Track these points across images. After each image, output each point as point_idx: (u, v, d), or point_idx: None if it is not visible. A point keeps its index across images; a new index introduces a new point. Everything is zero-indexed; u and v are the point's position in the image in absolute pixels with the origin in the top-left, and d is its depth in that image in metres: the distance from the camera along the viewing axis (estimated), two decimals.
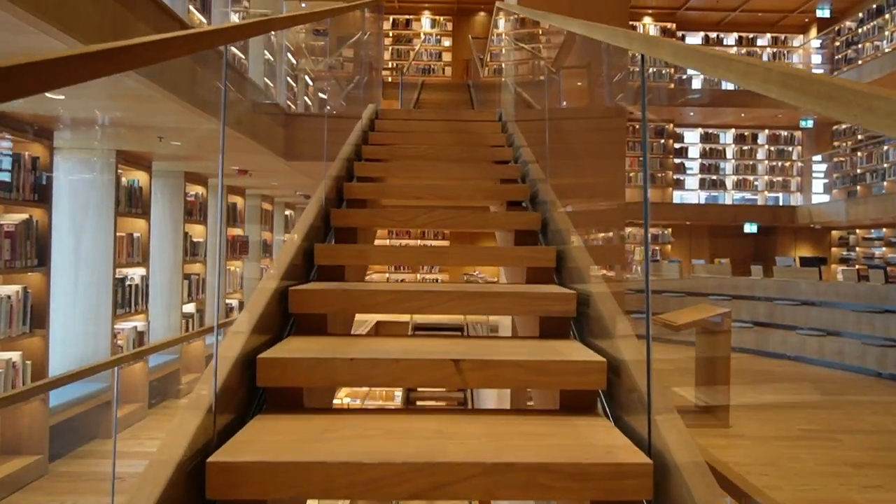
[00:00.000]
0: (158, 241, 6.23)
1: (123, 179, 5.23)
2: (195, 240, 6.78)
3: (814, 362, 9.30)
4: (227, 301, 7.94)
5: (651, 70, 15.77)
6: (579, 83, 4.64)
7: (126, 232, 5.33)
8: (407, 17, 16.38)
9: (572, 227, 2.87)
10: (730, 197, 16.38)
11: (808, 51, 16.27)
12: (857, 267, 14.08)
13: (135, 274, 5.47)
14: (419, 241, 15.52)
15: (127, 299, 5.23)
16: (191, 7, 6.43)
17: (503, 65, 6.67)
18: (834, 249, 15.72)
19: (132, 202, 5.35)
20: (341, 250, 2.69)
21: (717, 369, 5.59)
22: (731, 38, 16.55)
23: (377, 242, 5.37)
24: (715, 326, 5.78)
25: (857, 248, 15.25)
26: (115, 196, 4.98)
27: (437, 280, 15.01)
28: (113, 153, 4.95)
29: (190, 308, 6.70)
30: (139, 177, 5.57)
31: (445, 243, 14.80)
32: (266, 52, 9.07)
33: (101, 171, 4.92)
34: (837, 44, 15.47)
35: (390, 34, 16.29)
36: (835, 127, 15.60)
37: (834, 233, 15.70)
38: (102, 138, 4.71)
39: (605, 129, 4.84)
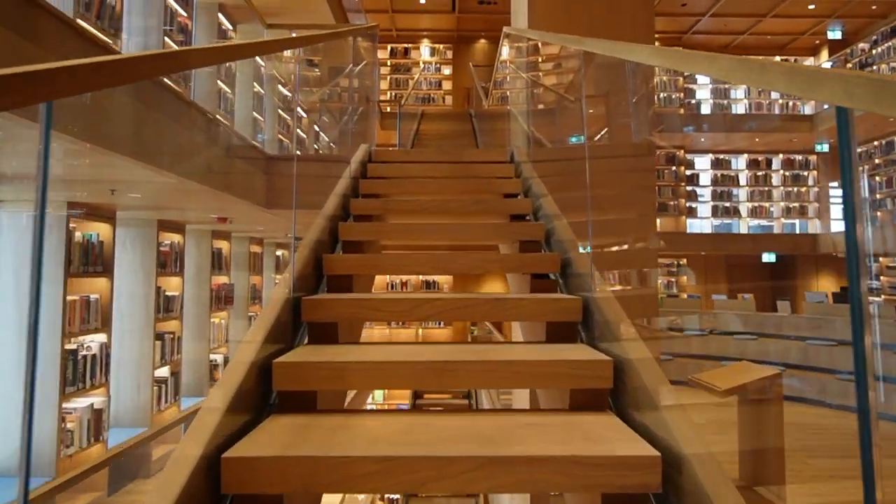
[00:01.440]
0: (126, 298, 5.52)
1: (78, 234, 4.53)
2: (169, 294, 6.06)
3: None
4: (211, 356, 7.19)
5: (661, 95, 15.25)
6: (611, 114, 3.96)
7: (81, 294, 4.61)
8: (406, 45, 15.89)
9: (623, 314, 2.14)
10: (744, 224, 15.69)
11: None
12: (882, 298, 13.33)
13: (92, 342, 4.74)
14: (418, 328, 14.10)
15: (80, 373, 4.49)
16: (167, 39, 5.81)
17: (509, 93, 6.00)
18: None
19: (89, 259, 4.64)
20: (311, 371, 1.90)
21: (767, 457, 4.79)
22: None
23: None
24: (764, 392, 5.01)
25: (882, 277, 14.50)
26: (66, 254, 4.27)
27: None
28: (63, 206, 4.26)
29: (163, 372, 5.95)
30: (100, 230, 4.87)
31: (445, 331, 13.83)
32: (255, 83, 8.49)
33: (50, 228, 4.23)
34: (850, 66, 14.90)
35: (388, 63, 15.79)
36: None
37: None
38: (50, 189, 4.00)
39: (642, 170, 4.16)
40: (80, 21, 4.30)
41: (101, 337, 4.88)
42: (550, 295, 2.39)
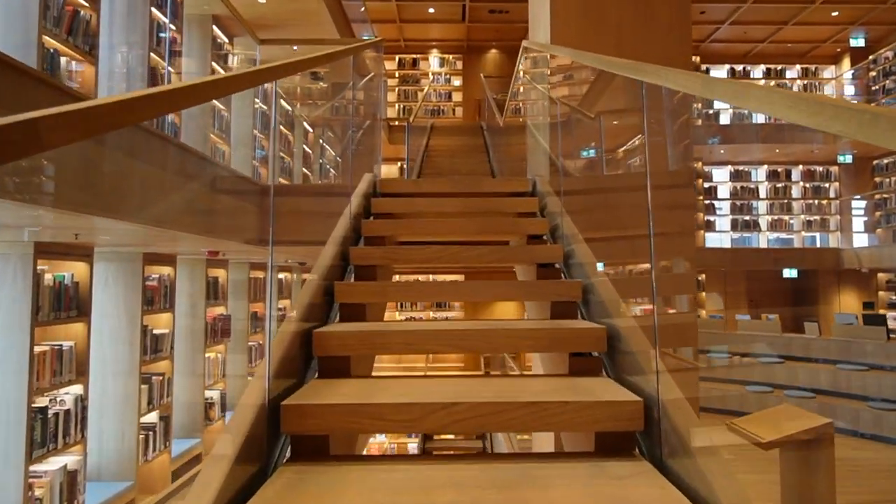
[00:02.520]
0: (108, 341, 5.06)
1: (48, 277, 4.06)
2: (158, 332, 5.58)
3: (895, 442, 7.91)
4: (207, 394, 6.71)
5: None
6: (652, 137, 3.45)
7: (53, 343, 4.14)
8: (414, 56, 15.46)
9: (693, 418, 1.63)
10: (763, 238, 15.12)
11: (840, 82, 15.17)
12: None
13: (66, 395, 4.27)
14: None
15: (51, 432, 4.01)
16: (152, 56, 5.37)
17: (528, 113, 5.51)
18: (882, 293, 14.34)
19: (62, 304, 4.17)
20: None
21: None
22: (758, 71, 15.49)
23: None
24: (813, 446, 4.46)
25: None
26: (33, 301, 3.80)
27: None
28: (31, 246, 3.79)
29: (151, 418, 5.47)
30: (74, 269, 4.41)
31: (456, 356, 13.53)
32: (257, 100, 8.04)
33: (15, 271, 3.76)
34: (874, 74, 14.35)
35: (396, 74, 15.35)
36: (875, 162, 14.39)
37: (881, 276, 14.33)
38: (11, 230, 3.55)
39: (686, 197, 3.67)
40: (47, 38, 3.86)
41: (76, 389, 4.40)
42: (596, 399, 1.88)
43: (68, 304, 4.28)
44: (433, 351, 2.11)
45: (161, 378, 5.61)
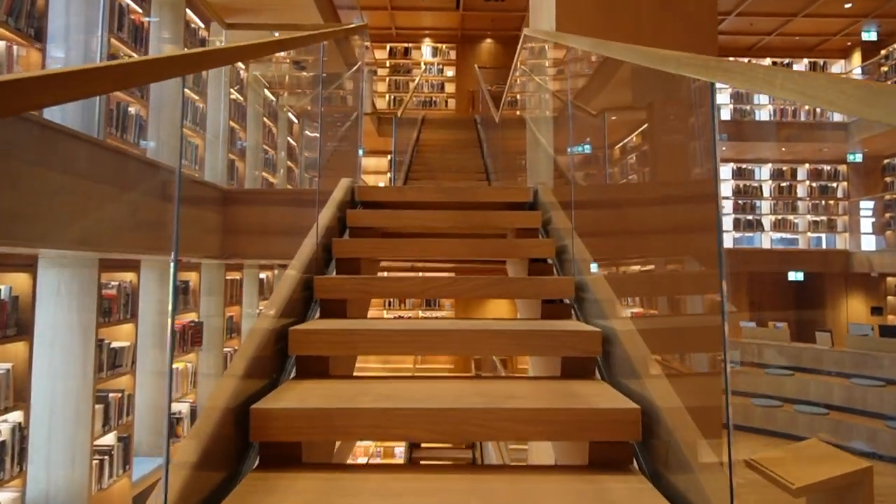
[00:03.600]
0: (59, 359, 4.53)
1: None
2: (118, 345, 5.06)
3: None
4: (175, 408, 6.20)
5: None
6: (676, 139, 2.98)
7: None
8: (406, 45, 14.87)
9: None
10: (767, 238, 14.66)
11: (850, 76, 14.65)
12: None
13: (2, 425, 3.75)
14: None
15: None
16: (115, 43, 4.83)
17: (527, 110, 4.98)
18: (890, 298, 13.90)
19: None
20: None
21: None
22: (764, 63, 14.95)
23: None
24: (849, 493, 4.00)
25: None
26: None
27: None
28: None
29: (108, 440, 4.96)
30: (14, 282, 3.88)
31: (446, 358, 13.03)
32: (233, 90, 7.48)
33: None
34: (886, 69, 13.84)
35: (387, 64, 14.76)
36: (887, 161, 13.92)
37: (890, 280, 13.90)
38: None
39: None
40: None
41: (14, 416, 3.88)
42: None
43: (5, 321, 3.75)
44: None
45: (120, 395, 5.08)
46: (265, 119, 8.84)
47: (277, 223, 3.65)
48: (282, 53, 7.68)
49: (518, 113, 7.82)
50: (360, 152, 3.83)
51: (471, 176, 7.99)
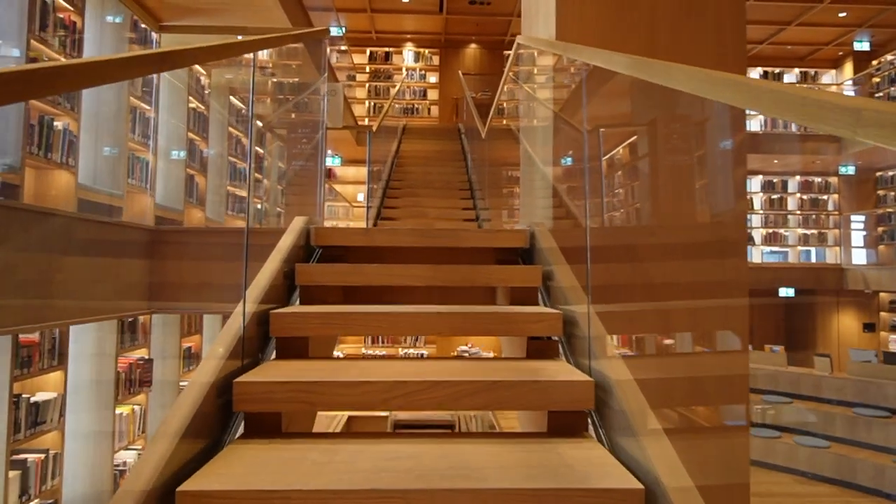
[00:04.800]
0: None
1: None
2: (41, 399, 4.35)
3: None
4: (119, 458, 5.48)
5: None
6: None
7: None
8: (387, 49, 14.22)
9: None
10: (757, 252, 14.23)
11: (840, 88, 14.31)
12: None
13: None
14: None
15: None
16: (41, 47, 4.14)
17: (521, 127, 4.36)
18: (883, 314, 13.54)
19: None
20: None
21: None
22: (754, 73, 14.56)
23: None
24: None
25: None
26: None
27: None
28: None
29: None
30: None
31: None
32: (191, 98, 6.79)
33: None
34: (878, 80, 13.51)
35: (367, 69, 14.10)
36: (879, 174, 13.57)
37: (883, 296, 13.53)
38: None
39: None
40: None
41: None
42: None
43: None
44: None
45: (42, 457, 4.36)
46: (231, 129, 8.15)
47: (216, 266, 2.99)
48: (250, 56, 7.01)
49: (507, 125, 7.21)
50: (322, 185, 3.18)
51: (454, 193, 7.37)
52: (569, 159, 3.15)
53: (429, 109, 14.08)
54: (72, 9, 4.58)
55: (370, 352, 12.60)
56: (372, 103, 13.92)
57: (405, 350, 12.55)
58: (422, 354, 12.41)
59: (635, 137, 2.84)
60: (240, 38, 2.40)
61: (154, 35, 5.77)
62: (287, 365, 1.91)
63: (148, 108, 5.73)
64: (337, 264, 2.56)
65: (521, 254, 2.92)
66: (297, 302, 2.50)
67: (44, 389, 4.46)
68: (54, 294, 2.55)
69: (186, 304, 3.02)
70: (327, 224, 11.07)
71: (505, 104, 5.57)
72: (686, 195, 2.74)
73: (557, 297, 2.37)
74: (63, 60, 4.51)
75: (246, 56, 2.19)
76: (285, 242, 2.64)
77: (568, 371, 1.83)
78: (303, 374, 1.73)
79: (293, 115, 3.99)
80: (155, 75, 5.74)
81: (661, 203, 2.87)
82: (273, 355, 2.10)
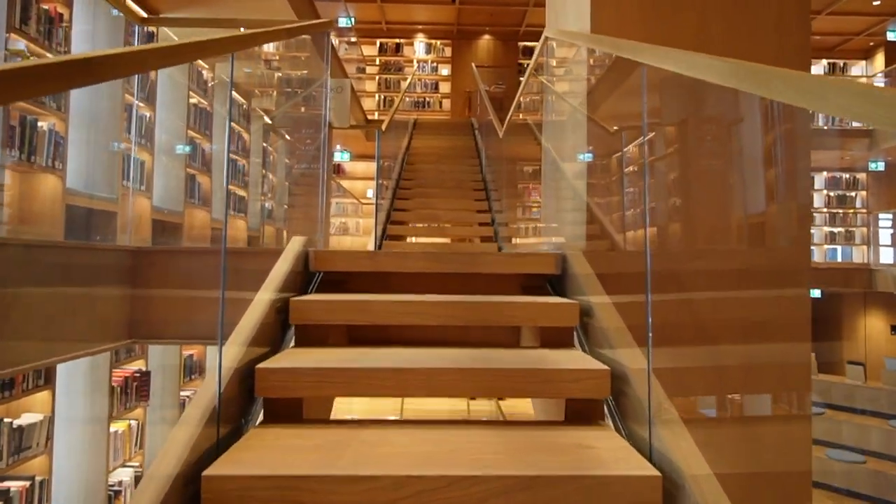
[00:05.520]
0: None
1: None
2: (26, 422, 4.05)
3: None
4: (115, 478, 5.18)
5: None
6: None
7: None
8: (397, 40, 13.80)
9: None
10: None
11: (871, 80, 13.73)
12: None
13: None
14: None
15: None
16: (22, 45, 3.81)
17: (545, 135, 3.98)
18: None
19: None
20: None
21: None
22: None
23: None
24: None
25: None
26: None
27: None
28: None
29: None
30: None
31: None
32: (193, 93, 6.45)
33: None
34: None
35: (377, 61, 13.70)
36: None
37: None
38: None
39: None
40: None
41: None
42: None
43: None
44: None
45: (28, 484, 4.06)
46: (235, 124, 7.80)
47: (205, 291, 2.66)
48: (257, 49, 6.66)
49: (525, 120, 6.81)
50: (323, 197, 2.82)
51: (468, 194, 6.99)
52: (591, 160, 2.78)
53: (440, 103, 13.67)
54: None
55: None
56: (382, 97, 13.54)
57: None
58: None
59: (701, 139, 2.46)
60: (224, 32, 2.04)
61: (146, 28, 5.42)
62: (273, 439, 1.55)
63: (143, 104, 5.39)
64: (338, 296, 2.20)
65: (549, 279, 2.54)
66: (293, 343, 2.14)
67: (30, 411, 4.16)
68: (9, 335, 2.22)
69: (172, 333, 2.68)
70: (332, 238, 10.81)
71: (522, 101, 5.17)
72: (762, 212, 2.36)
73: (599, 340, 2.00)
74: (49, 58, 4.18)
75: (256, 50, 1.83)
76: (279, 270, 2.28)
77: (623, 453, 1.46)
78: (289, 461, 1.38)
79: (292, 118, 3.64)
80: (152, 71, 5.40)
81: (727, 221, 2.48)
82: (260, 417, 1.75)
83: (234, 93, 7.76)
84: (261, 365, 1.73)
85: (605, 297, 2.13)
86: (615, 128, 2.49)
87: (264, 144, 7.54)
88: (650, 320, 1.71)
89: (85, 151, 4.71)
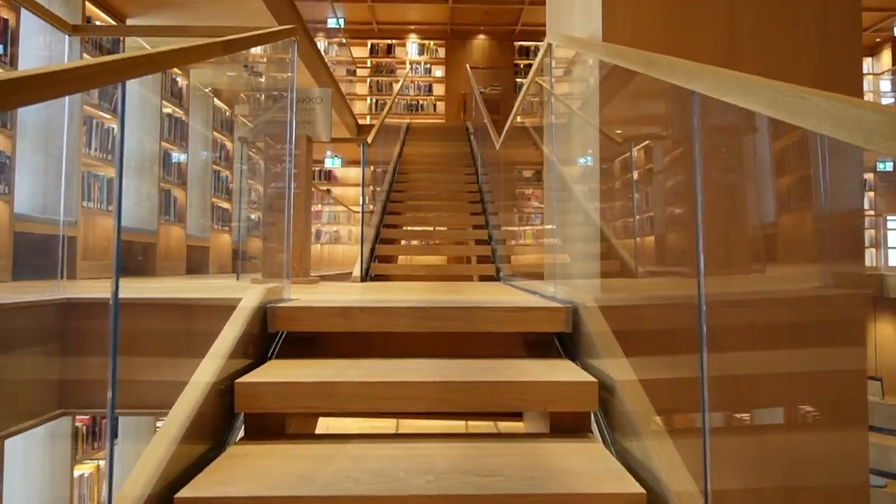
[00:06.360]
0: None
1: None
2: None
3: None
4: None
5: None
6: None
7: None
8: (389, 41, 13.36)
9: None
10: None
11: (878, 78, 13.35)
12: None
13: None
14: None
15: None
16: None
17: (551, 148, 3.53)
18: None
19: None
20: None
21: None
22: None
23: None
24: None
25: None
26: None
27: None
28: None
29: None
30: None
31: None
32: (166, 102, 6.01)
33: None
34: None
35: (368, 63, 13.26)
36: None
37: None
38: None
39: None
40: None
41: None
42: None
43: None
44: None
45: None
46: (215, 133, 7.37)
47: (151, 351, 2.24)
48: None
49: (518, 119, 6.37)
50: (289, 231, 2.40)
51: (463, 206, 6.57)
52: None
53: (434, 106, 13.23)
54: (2, 2, 3.78)
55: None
56: (374, 100, 13.09)
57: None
58: None
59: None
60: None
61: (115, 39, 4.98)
62: None
63: (107, 116, 4.95)
64: (299, 372, 1.77)
65: (562, 342, 2.12)
66: (241, 435, 1.71)
67: None
68: None
69: (123, 397, 2.24)
70: (324, 248, 10.23)
71: (519, 108, 4.74)
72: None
73: (625, 428, 1.58)
74: None
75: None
76: (228, 335, 1.85)
77: None
78: None
79: (262, 135, 3.22)
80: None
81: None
82: None
83: (216, 100, 7.32)
84: (182, 494, 1.30)
85: (628, 370, 1.71)
86: (640, 144, 2.07)
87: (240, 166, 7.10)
88: (706, 416, 1.29)
89: (39, 172, 4.27)
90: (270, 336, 2.09)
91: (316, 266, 7.74)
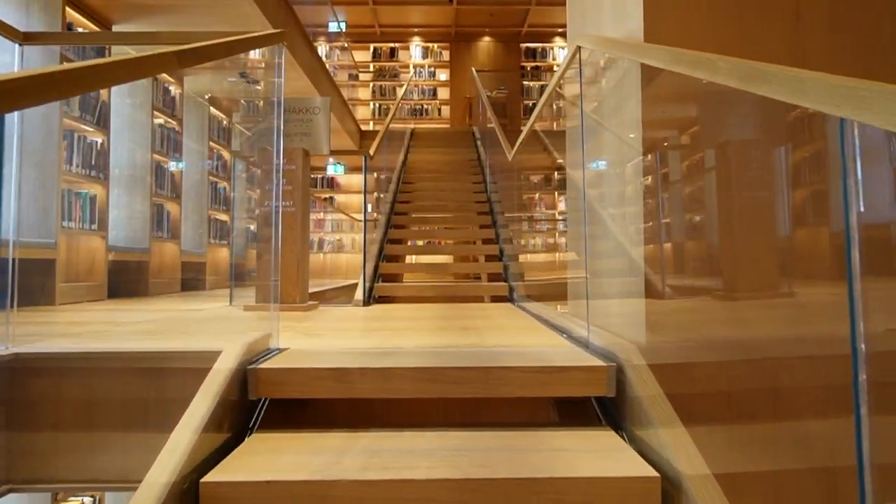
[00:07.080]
0: None
1: None
2: None
3: None
4: None
5: None
6: None
7: None
8: (392, 45, 13.03)
9: None
10: None
11: None
12: None
13: None
14: None
15: None
16: None
17: (571, 168, 3.19)
18: None
19: None
20: None
21: None
22: None
23: None
24: None
25: None
26: None
27: None
28: None
29: None
30: None
31: None
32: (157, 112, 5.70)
33: None
34: None
35: (371, 67, 12.94)
36: None
37: None
38: None
39: None
40: None
41: None
42: None
43: None
44: None
45: None
46: (212, 143, 7.05)
47: (112, 416, 1.91)
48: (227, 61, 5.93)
49: (523, 122, 6.02)
50: (276, 266, 2.05)
51: (472, 218, 6.22)
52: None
53: (439, 110, 12.89)
54: None
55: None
56: (377, 105, 12.76)
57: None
58: None
59: None
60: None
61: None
62: None
63: (90, 129, 4.63)
64: (285, 463, 1.42)
65: (602, 410, 1.77)
66: None
67: None
68: None
69: (66, 475, 1.92)
70: (326, 258, 9.89)
71: (536, 116, 4.39)
72: None
73: None
74: None
75: None
76: (196, 410, 1.51)
77: None
78: None
79: (251, 149, 2.90)
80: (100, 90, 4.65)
81: None
82: None
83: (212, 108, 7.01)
84: None
85: (702, 467, 1.36)
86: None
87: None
88: None
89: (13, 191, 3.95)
90: (252, 403, 1.75)
91: (318, 277, 7.41)
